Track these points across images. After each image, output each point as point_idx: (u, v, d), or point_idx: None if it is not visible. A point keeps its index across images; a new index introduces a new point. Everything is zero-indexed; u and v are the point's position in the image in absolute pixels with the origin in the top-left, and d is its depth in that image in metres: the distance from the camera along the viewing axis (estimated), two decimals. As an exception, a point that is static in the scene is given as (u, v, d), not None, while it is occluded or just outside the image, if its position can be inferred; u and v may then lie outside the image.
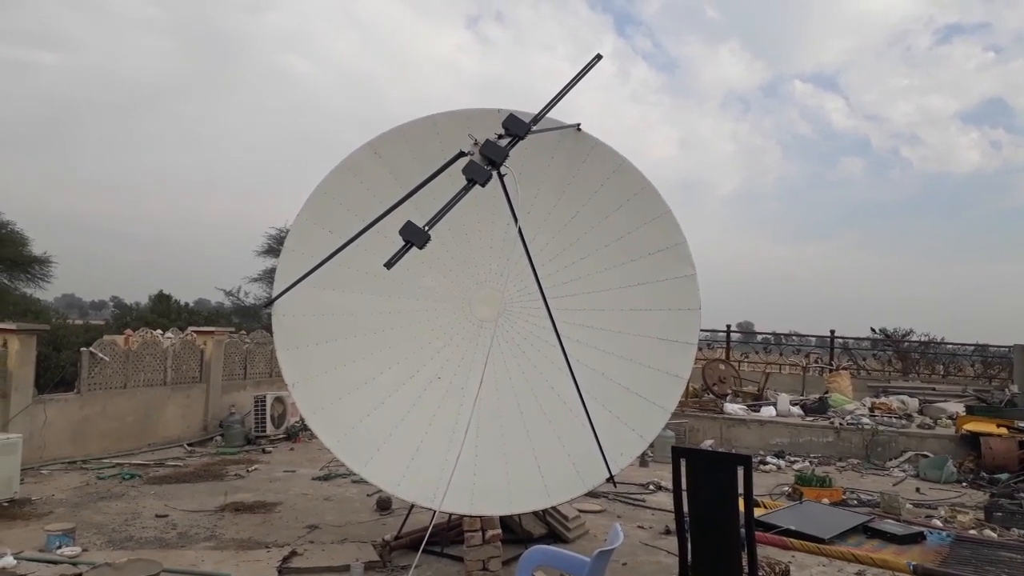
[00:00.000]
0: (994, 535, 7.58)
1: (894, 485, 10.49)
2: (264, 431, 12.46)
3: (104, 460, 10.33)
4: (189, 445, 11.83)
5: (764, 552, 4.90)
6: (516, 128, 5.46)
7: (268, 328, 8.32)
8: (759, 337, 24.87)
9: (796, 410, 14.08)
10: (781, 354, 22.26)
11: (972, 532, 7.43)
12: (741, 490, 4.02)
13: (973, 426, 12.10)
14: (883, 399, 15.27)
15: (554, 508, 6.97)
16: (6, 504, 7.63)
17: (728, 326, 21.44)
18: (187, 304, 22.62)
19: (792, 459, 12.19)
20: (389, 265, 5.09)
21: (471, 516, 5.90)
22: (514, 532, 6.73)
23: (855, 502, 9.17)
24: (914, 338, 22.93)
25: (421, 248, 5.09)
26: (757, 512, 4.98)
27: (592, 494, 8.20)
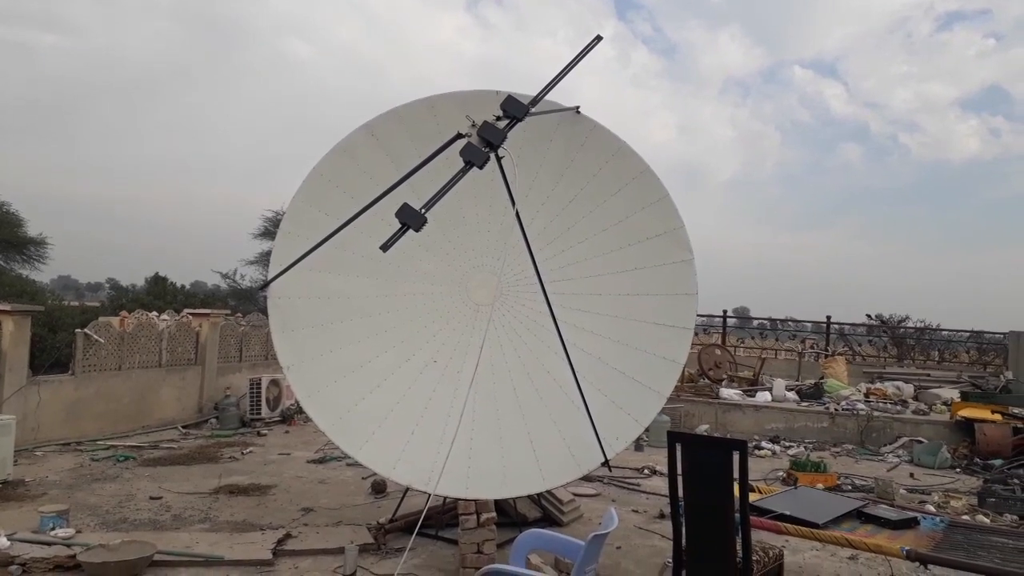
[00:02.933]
0: (987, 520, 7.62)
1: (888, 471, 10.53)
2: (259, 414, 12.46)
3: (98, 442, 10.32)
4: (184, 427, 11.83)
5: (758, 537, 4.90)
6: (514, 110, 5.40)
7: (264, 311, 8.29)
8: (755, 323, 24.96)
9: (791, 395, 14.12)
10: (777, 340, 22.32)
11: (965, 517, 7.47)
12: (736, 475, 4.02)
13: (968, 412, 12.14)
14: (878, 385, 15.32)
15: (549, 492, 6.99)
16: None
17: (724, 311, 21.48)
18: (183, 286, 22.60)
19: (787, 444, 12.23)
20: (385, 248, 5.04)
21: (466, 499, 5.89)
22: (509, 515, 6.74)
23: (849, 487, 9.21)
24: (910, 324, 23.00)
25: (417, 231, 5.04)
26: (752, 497, 4.99)
27: (587, 478, 8.24)
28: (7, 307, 9.80)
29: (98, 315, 13.79)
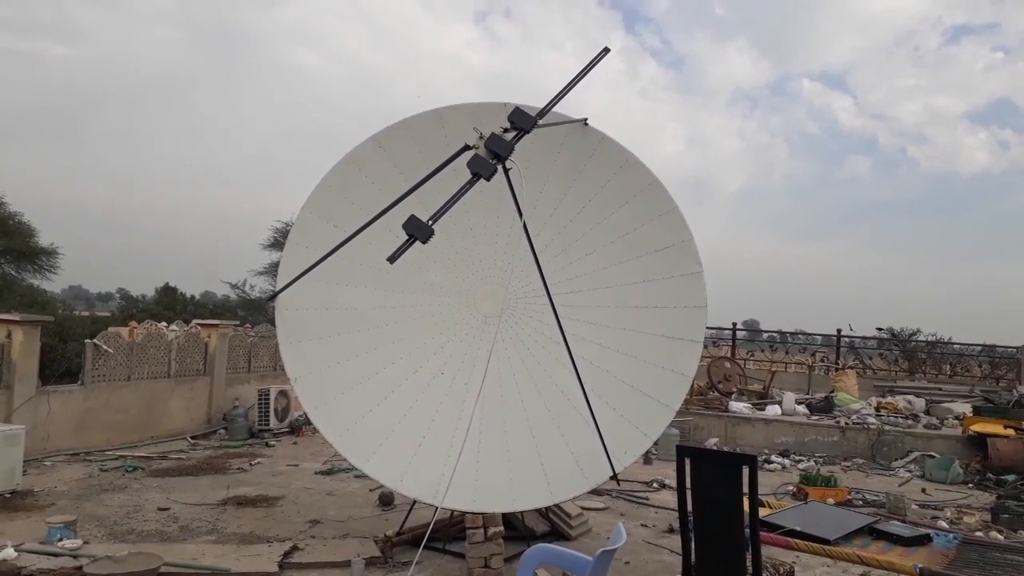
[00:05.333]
0: (1001, 537, 7.52)
1: (900, 486, 10.43)
2: (268, 425, 12.47)
3: (107, 452, 10.33)
4: (192, 438, 11.83)
5: (768, 552, 4.85)
6: (522, 122, 5.41)
7: (273, 321, 8.30)
8: (765, 335, 24.79)
9: (801, 409, 14.01)
10: (787, 352, 22.18)
11: (979, 534, 7.36)
12: (746, 489, 3.97)
13: (980, 427, 12.02)
14: (889, 399, 15.19)
15: (557, 506, 6.94)
16: (8, 495, 7.64)
17: (734, 324, 21.37)
18: (193, 297, 22.68)
19: (797, 458, 12.13)
20: (392, 259, 5.04)
21: (473, 513, 5.86)
22: (516, 529, 6.69)
23: (860, 502, 9.12)
24: (921, 338, 22.80)
25: (424, 242, 5.04)
26: (762, 512, 4.92)
27: (596, 492, 8.17)
28: (17, 317, 9.85)
29: (108, 325, 13.83)
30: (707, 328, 7.33)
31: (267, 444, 11.80)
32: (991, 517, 8.41)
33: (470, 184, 5.17)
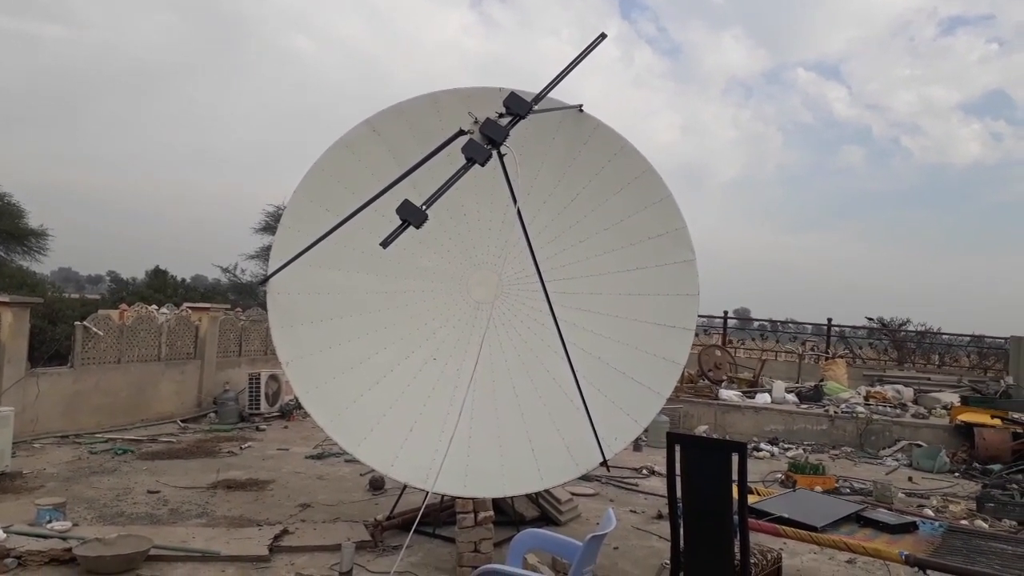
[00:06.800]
0: (985, 526, 7.60)
1: (887, 474, 10.52)
2: (258, 409, 12.45)
3: (97, 435, 10.30)
4: (182, 421, 11.81)
5: (756, 539, 4.89)
6: (517, 107, 5.38)
7: (264, 305, 8.27)
8: (755, 324, 24.90)
9: (791, 397, 14.09)
10: (777, 341, 22.29)
11: (964, 522, 7.44)
12: (735, 477, 4.00)
13: (967, 416, 12.12)
14: (878, 388, 15.30)
15: (547, 491, 6.97)
16: (-3, 477, 7.61)
17: (725, 312, 21.44)
18: (183, 280, 22.64)
19: (786, 446, 12.21)
20: (385, 244, 5.02)
21: (463, 498, 5.88)
22: (506, 514, 6.72)
23: (848, 490, 9.19)
24: (910, 328, 22.95)
25: (418, 228, 5.02)
26: (750, 499, 4.96)
27: (585, 478, 8.23)
28: (6, 299, 9.77)
29: (98, 308, 13.76)
30: (699, 316, 7.35)
31: (257, 428, 11.79)
32: (976, 506, 8.49)
33: (464, 169, 5.14)
